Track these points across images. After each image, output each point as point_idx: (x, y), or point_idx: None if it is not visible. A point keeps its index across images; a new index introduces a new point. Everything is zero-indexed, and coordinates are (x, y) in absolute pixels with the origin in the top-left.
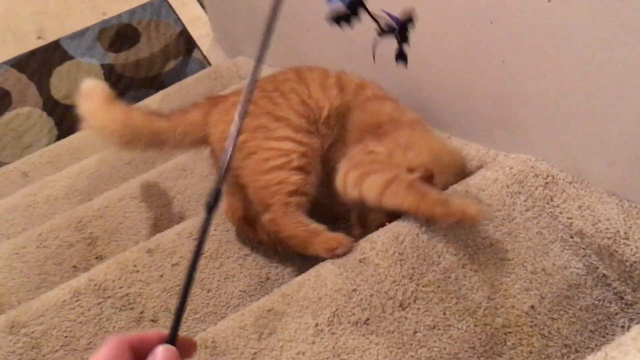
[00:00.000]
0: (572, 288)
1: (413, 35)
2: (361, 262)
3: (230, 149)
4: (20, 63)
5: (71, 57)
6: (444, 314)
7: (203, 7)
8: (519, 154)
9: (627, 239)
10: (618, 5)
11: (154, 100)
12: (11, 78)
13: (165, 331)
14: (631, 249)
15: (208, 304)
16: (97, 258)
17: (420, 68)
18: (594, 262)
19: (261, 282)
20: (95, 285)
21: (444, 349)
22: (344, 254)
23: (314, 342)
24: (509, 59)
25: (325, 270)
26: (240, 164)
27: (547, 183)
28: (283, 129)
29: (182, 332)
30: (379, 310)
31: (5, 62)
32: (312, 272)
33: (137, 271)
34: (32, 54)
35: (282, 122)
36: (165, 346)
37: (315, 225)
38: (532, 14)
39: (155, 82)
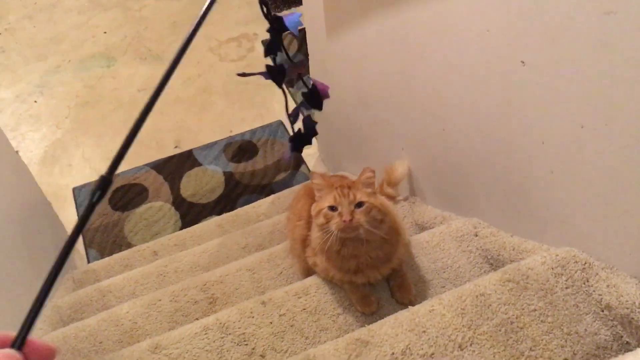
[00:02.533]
0: (599, 349)
1: (482, 149)
2: (430, 312)
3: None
4: (159, 166)
5: (200, 164)
6: (494, 357)
7: None
8: (565, 247)
9: None
10: (627, 138)
11: (265, 202)
12: (150, 177)
13: (13, 334)
14: None
15: (305, 348)
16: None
17: (487, 178)
18: (619, 331)
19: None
20: (220, 323)
21: None
22: None
23: None
24: (557, 171)
25: (402, 316)
26: None
27: (584, 268)
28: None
29: None
30: (442, 348)
31: (147, 164)
32: (391, 317)
33: (253, 317)
34: (169, 159)
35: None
36: (6, 350)
37: None
38: (572, 137)
39: (265, 189)
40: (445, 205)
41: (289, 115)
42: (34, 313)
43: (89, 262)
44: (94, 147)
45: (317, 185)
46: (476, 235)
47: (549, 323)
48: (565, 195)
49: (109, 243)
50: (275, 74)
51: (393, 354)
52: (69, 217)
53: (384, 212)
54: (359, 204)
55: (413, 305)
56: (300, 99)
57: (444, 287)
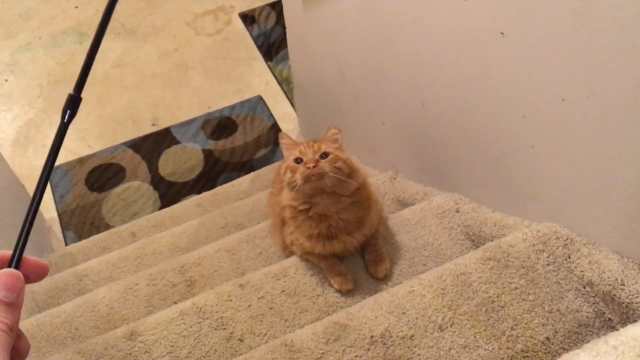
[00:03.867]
0: (581, 327)
1: (456, 122)
2: (410, 292)
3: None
4: (136, 145)
5: (178, 142)
6: (475, 337)
7: (293, 105)
8: (547, 222)
9: (623, 285)
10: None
11: (245, 179)
12: (127, 156)
13: (8, 252)
14: (625, 293)
15: (285, 331)
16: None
17: (467, 152)
18: (601, 308)
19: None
20: (197, 308)
21: None
22: None
23: (369, 349)
24: (538, 145)
25: (381, 298)
26: None
27: (566, 244)
28: None
29: None
30: (422, 330)
31: (124, 143)
32: (371, 299)
33: (231, 300)
34: (146, 137)
35: None
36: (6, 270)
37: None
38: (553, 111)
39: (246, 167)
40: (426, 181)
41: None
42: (27, 232)
43: (66, 244)
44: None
45: (285, 145)
46: (457, 212)
47: (530, 301)
48: (546, 169)
49: (87, 225)
50: None
51: (372, 337)
52: (45, 199)
53: (351, 168)
54: (324, 155)
55: (388, 278)
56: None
57: (425, 265)
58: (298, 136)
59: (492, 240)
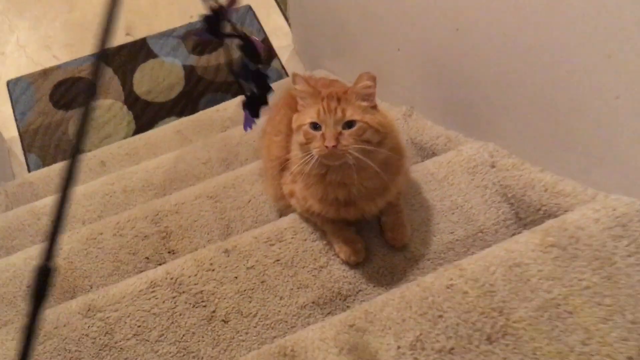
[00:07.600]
0: None
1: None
2: (448, 288)
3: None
4: (107, 57)
5: (156, 56)
6: (534, 354)
7: (286, 19)
8: (621, 196)
9: None
10: None
11: (232, 104)
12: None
13: None
14: None
15: (279, 311)
16: (169, 252)
17: (512, 94)
18: None
19: (333, 296)
20: (171, 278)
21: None
22: None
23: None
24: (624, 95)
25: (411, 292)
26: None
27: None
28: None
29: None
30: (465, 341)
31: (94, 55)
32: (396, 291)
33: (213, 270)
34: (119, 49)
35: None
36: None
37: None
38: None
39: (232, 88)
40: (451, 123)
41: (235, 73)
42: None
43: (29, 169)
44: (31, 31)
45: (301, 92)
46: (493, 167)
47: (607, 306)
48: (629, 127)
49: (52, 147)
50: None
51: (399, 347)
52: (4, 114)
53: (384, 133)
54: (349, 124)
55: (407, 247)
56: None
57: (452, 232)
58: (292, 55)
59: (540, 210)
